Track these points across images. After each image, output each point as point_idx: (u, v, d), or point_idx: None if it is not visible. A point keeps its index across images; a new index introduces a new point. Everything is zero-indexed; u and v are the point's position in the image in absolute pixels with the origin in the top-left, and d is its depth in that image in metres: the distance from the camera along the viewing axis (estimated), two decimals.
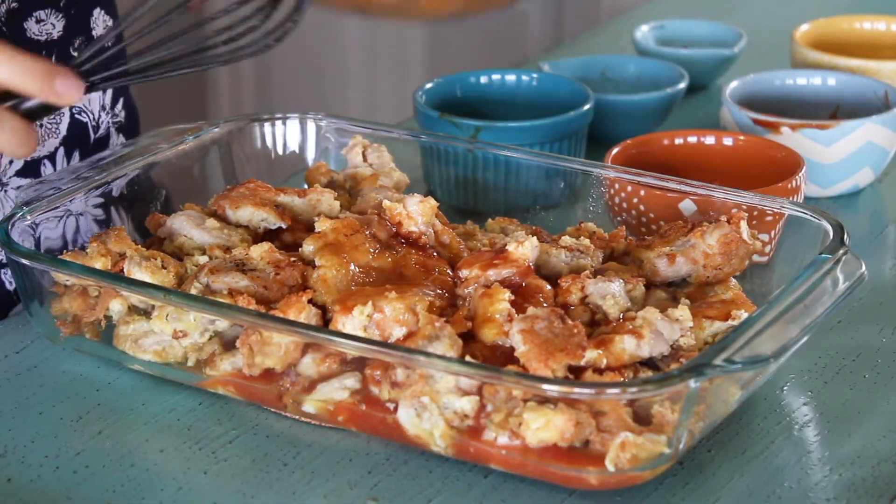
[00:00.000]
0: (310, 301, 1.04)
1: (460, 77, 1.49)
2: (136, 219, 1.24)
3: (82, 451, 1.04)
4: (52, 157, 1.29)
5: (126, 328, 1.10)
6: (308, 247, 1.09)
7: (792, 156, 1.30)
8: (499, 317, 1.01)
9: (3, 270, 1.29)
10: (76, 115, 1.31)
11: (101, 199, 1.26)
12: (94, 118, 1.33)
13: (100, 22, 1.31)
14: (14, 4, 1.23)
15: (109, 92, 1.35)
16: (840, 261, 1.06)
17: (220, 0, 1.11)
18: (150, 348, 1.09)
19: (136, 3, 1.03)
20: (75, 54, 1.21)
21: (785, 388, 1.10)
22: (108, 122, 1.35)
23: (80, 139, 1.31)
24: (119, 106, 1.37)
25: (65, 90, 0.98)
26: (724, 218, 1.12)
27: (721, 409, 1.01)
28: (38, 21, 1.26)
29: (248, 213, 1.17)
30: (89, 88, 1.03)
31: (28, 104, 1.00)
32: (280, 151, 1.34)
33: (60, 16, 1.27)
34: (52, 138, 1.28)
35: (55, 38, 1.27)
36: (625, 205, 1.21)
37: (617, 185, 1.21)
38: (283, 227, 1.17)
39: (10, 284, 1.29)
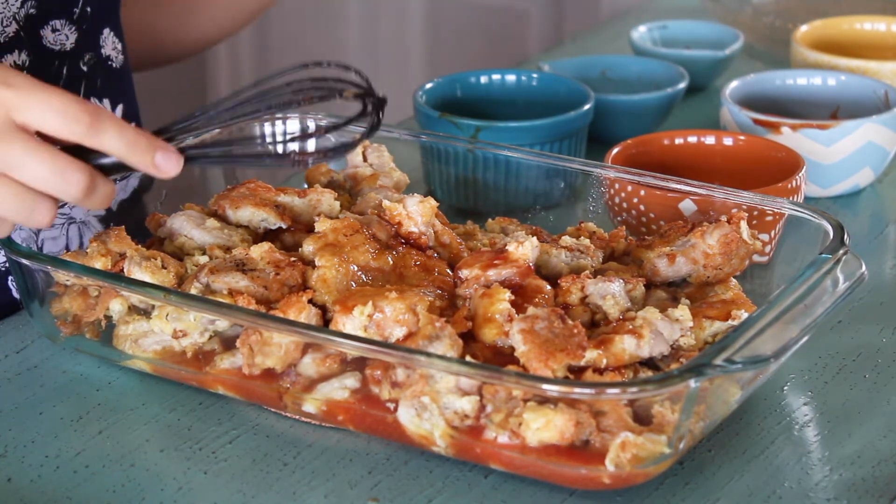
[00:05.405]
0: (310, 301, 1.04)
1: (460, 77, 1.49)
2: (136, 219, 1.24)
3: (82, 450, 1.04)
4: None
5: (126, 328, 1.10)
6: (308, 247, 1.09)
7: (792, 156, 1.30)
8: (499, 317, 1.01)
9: (9, 277, 1.29)
10: None
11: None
12: None
13: (108, 42, 1.32)
14: (32, 10, 1.24)
15: (120, 107, 1.35)
16: (840, 261, 1.06)
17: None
18: (150, 348, 1.09)
19: (230, 95, 1.03)
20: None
21: (785, 388, 1.10)
22: None
23: None
24: (119, 111, 1.37)
25: (164, 164, 0.99)
26: (724, 218, 1.12)
27: (721, 409, 1.01)
28: (54, 30, 1.26)
29: (249, 214, 1.17)
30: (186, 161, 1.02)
31: (108, 160, 1.00)
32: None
33: (73, 28, 1.28)
34: None
35: (67, 49, 1.28)
36: (625, 205, 1.21)
37: (617, 185, 1.21)
38: (284, 227, 1.17)
39: (17, 292, 1.29)
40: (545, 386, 0.94)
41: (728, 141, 1.36)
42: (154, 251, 1.11)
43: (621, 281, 1.07)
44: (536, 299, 1.05)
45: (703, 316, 1.05)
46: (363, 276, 1.07)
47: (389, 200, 1.13)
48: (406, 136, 1.32)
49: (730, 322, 1.05)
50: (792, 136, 1.38)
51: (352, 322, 1.01)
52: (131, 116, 1.38)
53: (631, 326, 1.01)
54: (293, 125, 1.33)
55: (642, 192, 1.20)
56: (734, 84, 1.48)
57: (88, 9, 1.29)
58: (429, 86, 1.46)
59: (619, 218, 1.22)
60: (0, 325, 1.19)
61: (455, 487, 0.99)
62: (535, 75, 1.50)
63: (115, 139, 0.97)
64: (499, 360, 1.00)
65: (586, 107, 1.40)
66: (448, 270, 1.09)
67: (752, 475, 1.00)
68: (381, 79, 3.17)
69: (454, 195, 1.35)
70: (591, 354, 0.98)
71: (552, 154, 1.30)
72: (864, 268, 1.06)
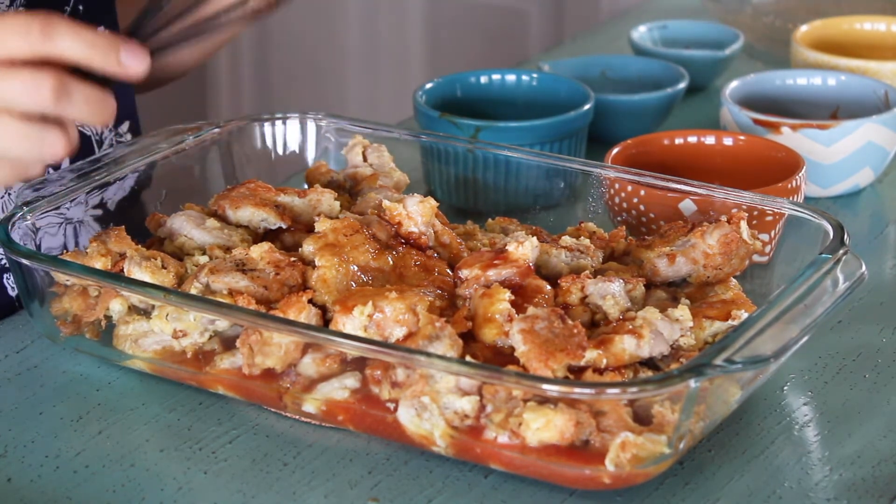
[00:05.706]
0: (310, 301, 1.04)
1: (460, 77, 1.49)
2: (135, 219, 1.24)
3: (82, 450, 1.04)
4: (57, 168, 1.29)
5: (126, 328, 1.10)
6: (308, 247, 1.09)
7: (792, 156, 1.30)
8: (499, 317, 1.01)
9: (5, 276, 1.29)
10: (79, 128, 1.31)
11: (100, 199, 1.26)
12: (96, 132, 1.33)
13: None
14: (21, 8, 1.23)
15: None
16: (840, 261, 1.06)
17: None
18: (149, 348, 1.09)
19: None
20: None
21: (785, 388, 1.10)
22: (112, 139, 1.35)
23: (85, 153, 1.31)
24: (125, 127, 1.37)
25: (129, 61, 0.97)
26: (724, 218, 1.12)
27: (721, 409, 1.01)
28: None
29: (249, 214, 1.17)
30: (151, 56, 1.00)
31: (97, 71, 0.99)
32: (280, 151, 1.34)
33: None
34: None
35: None
36: (625, 205, 1.21)
37: (617, 185, 1.21)
38: (284, 227, 1.17)
39: (13, 290, 1.29)
40: (545, 386, 0.94)
41: (728, 141, 1.36)
42: (154, 251, 1.11)
43: (621, 281, 1.07)
44: (536, 299, 1.05)
45: (703, 316, 1.05)
46: (363, 276, 1.07)
47: (389, 200, 1.13)
48: (406, 136, 1.32)
49: (730, 322, 1.05)
50: (792, 136, 1.38)
51: (352, 322, 1.01)
52: (129, 116, 1.38)
53: (631, 326, 1.01)
54: (293, 126, 1.33)
55: (642, 192, 1.20)
56: (734, 84, 1.48)
57: (80, 7, 1.29)
58: (429, 86, 1.46)
59: (619, 218, 1.22)
60: (0, 325, 1.19)
61: (455, 487, 0.99)
62: (535, 75, 1.50)
63: (72, 42, 0.95)
64: (499, 360, 1.00)
65: (586, 107, 1.40)
66: (448, 270, 1.09)
67: (752, 475, 1.00)
68: (382, 79, 3.17)
69: (454, 195, 1.35)
70: (591, 354, 0.98)
71: (552, 154, 1.30)
72: (864, 268, 1.06)
